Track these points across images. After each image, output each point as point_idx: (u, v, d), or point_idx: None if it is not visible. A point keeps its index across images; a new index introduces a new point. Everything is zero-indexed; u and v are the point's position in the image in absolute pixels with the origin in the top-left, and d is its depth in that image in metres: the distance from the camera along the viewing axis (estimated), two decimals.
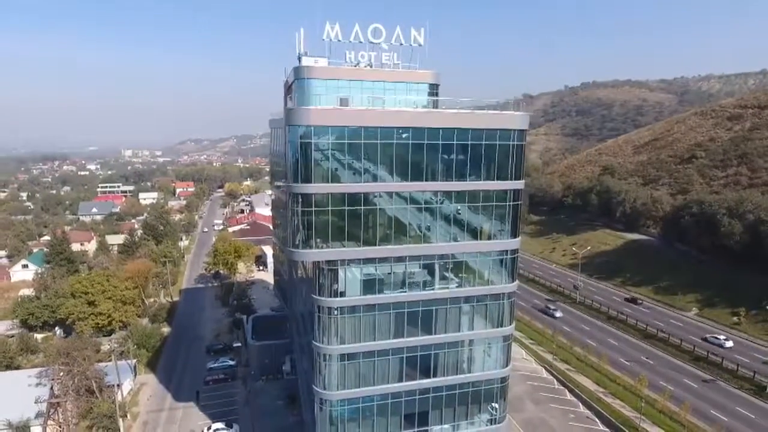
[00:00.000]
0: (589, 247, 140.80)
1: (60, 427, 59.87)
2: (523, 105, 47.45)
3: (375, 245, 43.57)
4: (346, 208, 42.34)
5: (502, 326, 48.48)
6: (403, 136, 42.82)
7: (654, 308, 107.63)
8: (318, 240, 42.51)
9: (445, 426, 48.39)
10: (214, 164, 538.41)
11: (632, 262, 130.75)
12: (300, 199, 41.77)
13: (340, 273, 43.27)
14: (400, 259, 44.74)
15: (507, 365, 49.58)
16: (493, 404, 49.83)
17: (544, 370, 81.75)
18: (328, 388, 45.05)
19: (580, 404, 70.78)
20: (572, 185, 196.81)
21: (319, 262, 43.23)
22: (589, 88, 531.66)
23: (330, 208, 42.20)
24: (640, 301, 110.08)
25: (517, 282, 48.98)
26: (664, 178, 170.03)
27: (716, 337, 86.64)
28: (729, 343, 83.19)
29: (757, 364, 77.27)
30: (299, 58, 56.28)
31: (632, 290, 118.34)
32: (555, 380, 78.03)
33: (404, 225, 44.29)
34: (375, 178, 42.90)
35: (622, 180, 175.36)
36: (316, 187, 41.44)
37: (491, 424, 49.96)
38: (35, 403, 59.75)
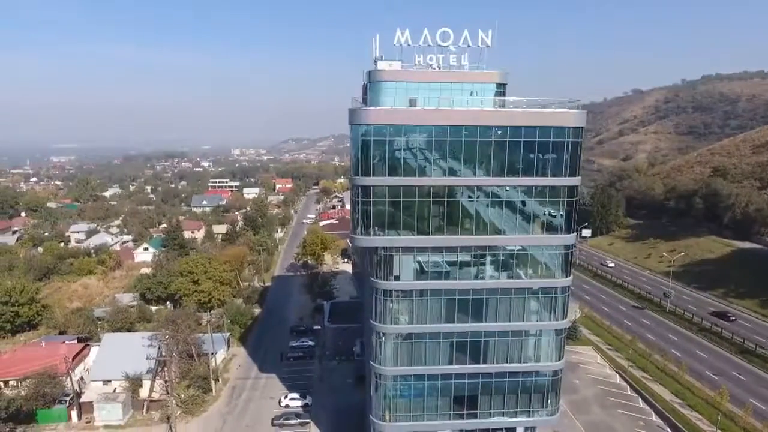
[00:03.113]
0: (682, 253, 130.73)
1: (165, 382, 70.25)
2: (579, 104, 47.43)
3: (428, 234, 46.68)
4: (402, 199, 45.91)
5: (554, 320, 49.11)
6: (458, 133, 45.37)
7: (758, 323, 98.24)
8: (376, 228, 46.55)
9: (495, 411, 50.10)
10: (312, 162, 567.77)
11: (738, 273, 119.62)
12: (360, 191, 46.11)
13: (395, 259, 46.96)
14: (451, 249, 47.43)
15: (560, 359, 49.96)
16: (544, 396, 50.57)
17: (618, 376, 78.95)
18: (384, 364, 48.98)
19: (653, 413, 67.93)
20: (675, 188, 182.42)
21: (377, 248, 47.25)
22: (710, 82, 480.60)
23: (387, 200, 45.99)
24: (732, 318, 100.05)
25: (571, 277, 49.20)
26: None
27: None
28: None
29: None
30: (375, 62, 60.55)
31: (734, 302, 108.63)
32: (628, 387, 75.24)
33: (457, 217, 46.84)
34: (430, 173, 45.97)
35: (734, 183, 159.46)
36: (374, 180, 45.46)
37: (542, 416, 50.75)
38: (146, 359, 70.93)
